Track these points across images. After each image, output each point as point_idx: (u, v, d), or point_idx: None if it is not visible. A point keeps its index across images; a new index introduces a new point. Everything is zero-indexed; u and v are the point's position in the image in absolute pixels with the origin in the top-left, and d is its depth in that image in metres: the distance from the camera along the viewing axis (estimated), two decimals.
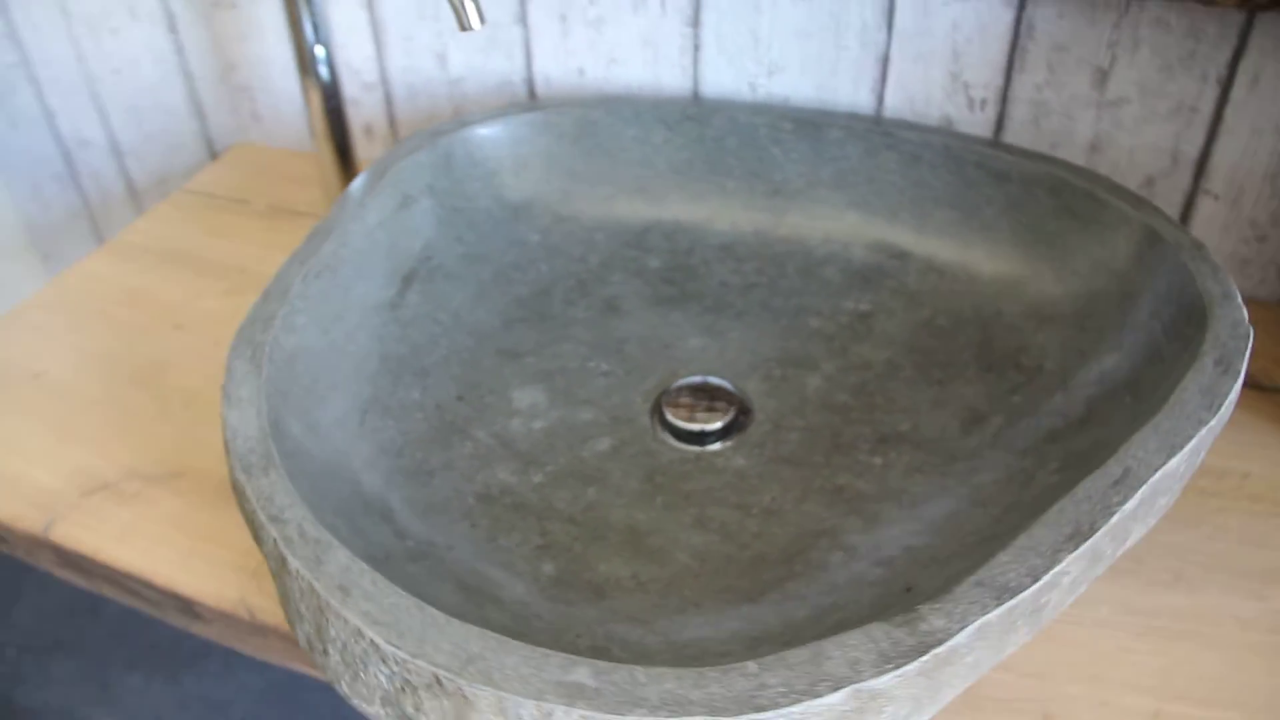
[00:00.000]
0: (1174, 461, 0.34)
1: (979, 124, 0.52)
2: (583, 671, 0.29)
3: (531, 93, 0.59)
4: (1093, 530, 0.31)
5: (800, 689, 0.28)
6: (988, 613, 0.29)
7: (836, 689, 0.28)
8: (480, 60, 0.58)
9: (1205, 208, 0.50)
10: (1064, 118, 0.50)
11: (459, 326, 0.49)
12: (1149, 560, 0.41)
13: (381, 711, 0.32)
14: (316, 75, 0.53)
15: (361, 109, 0.63)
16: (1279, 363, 0.49)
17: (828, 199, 0.52)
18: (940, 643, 0.29)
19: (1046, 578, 0.30)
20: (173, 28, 0.63)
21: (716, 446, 0.44)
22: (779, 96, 0.54)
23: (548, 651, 0.29)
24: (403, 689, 0.30)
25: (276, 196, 0.63)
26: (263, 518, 0.34)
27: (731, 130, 0.53)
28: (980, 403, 0.44)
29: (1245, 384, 0.48)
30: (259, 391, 0.38)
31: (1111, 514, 0.32)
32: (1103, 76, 0.48)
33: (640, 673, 0.29)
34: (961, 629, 0.29)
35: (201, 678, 0.88)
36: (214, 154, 0.69)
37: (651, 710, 0.28)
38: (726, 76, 0.54)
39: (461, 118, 0.53)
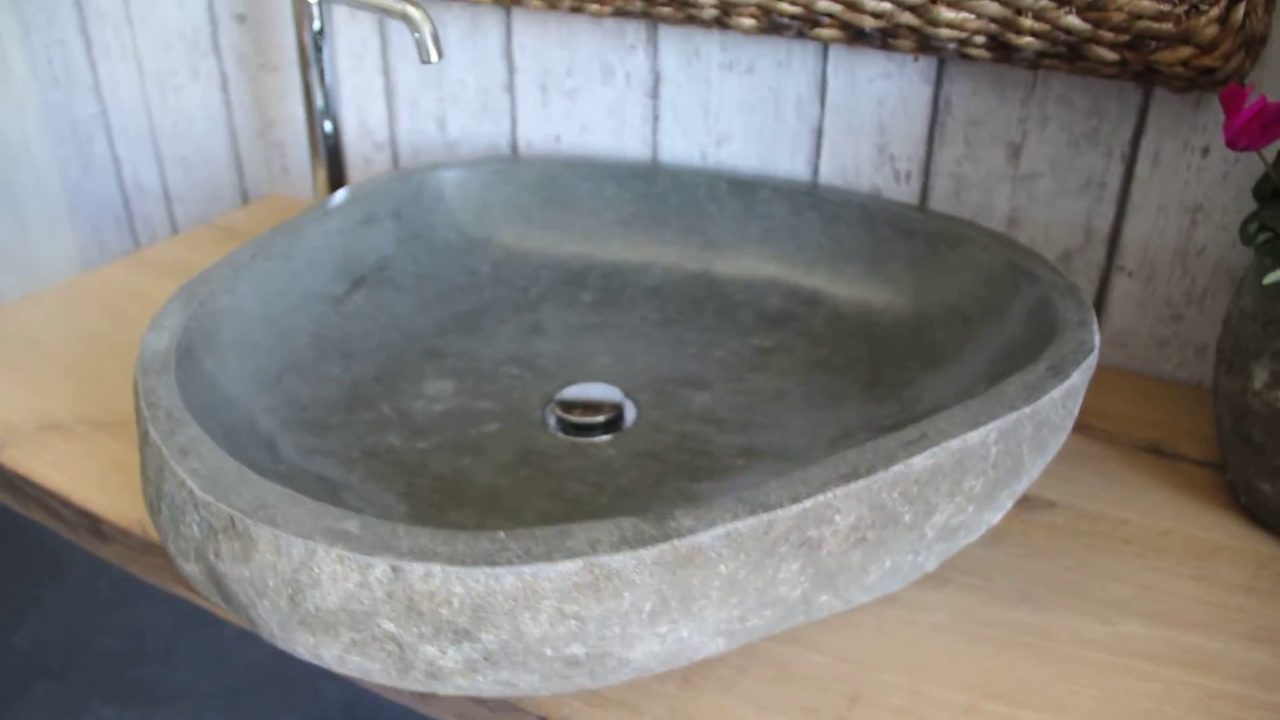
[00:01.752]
0: (975, 435, 0.35)
1: (905, 195, 0.55)
2: (352, 523, 0.31)
3: (515, 154, 0.65)
4: (869, 472, 0.33)
5: (537, 554, 0.30)
6: (738, 520, 0.31)
7: (570, 558, 0.29)
8: (473, 125, 0.65)
9: (1120, 285, 0.52)
10: (982, 191, 0.53)
11: (395, 327, 0.53)
12: (998, 580, 0.41)
13: (196, 569, 0.34)
14: (323, 139, 0.61)
15: (372, 165, 0.70)
16: (1188, 437, 0.49)
17: (754, 252, 0.55)
18: (681, 536, 0.30)
19: (808, 503, 0.32)
20: (224, 87, 0.73)
21: (593, 440, 0.47)
22: (727, 165, 0.59)
23: (330, 506, 0.32)
24: (207, 536, 0.33)
25: None
26: (142, 404, 0.37)
27: (674, 188, 0.57)
28: (852, 425, 0.46)
29: (1150, 449, 0.49)
30: (180, 325, 0.43)
31: (893, 464, 0.33)
32: (1015, 151, 0.52)
33: (401, 528, 0.31)
34: (708, 530, 0.30)
35: (169, 717, 0.89)
36: (247, 203, 0.78)
37: (398, 556, 0.30)
38: (681, 145, 0.60)
39: (437, 162, 0.59)
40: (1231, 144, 0.39)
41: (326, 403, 0.47)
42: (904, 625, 0.39)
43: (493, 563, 0.29)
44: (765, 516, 0.31)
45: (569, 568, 0.29)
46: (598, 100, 0.61)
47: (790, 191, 0.55)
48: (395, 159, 0.69)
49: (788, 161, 0.57)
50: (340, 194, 0.56)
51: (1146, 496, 0.46)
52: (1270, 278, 0.38)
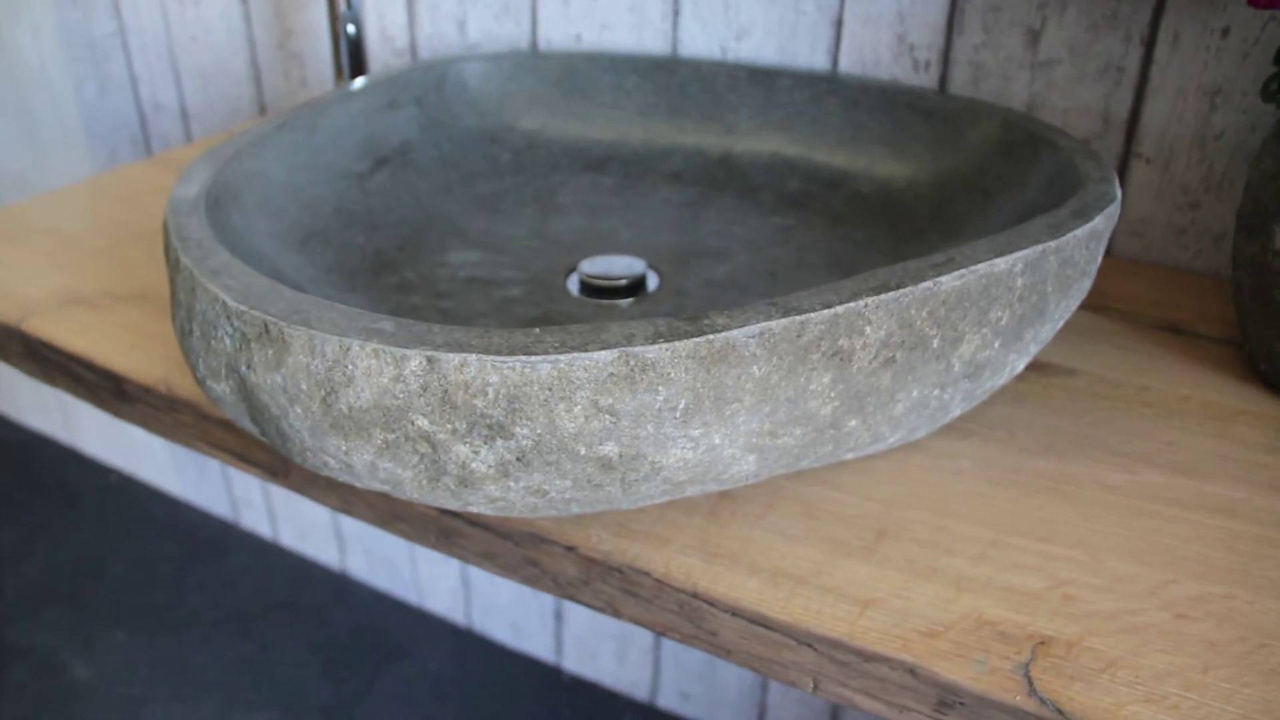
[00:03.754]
0: (1002, 263, 0.35)
1: (924, 84, 0.55)
2: (387, 323, 0.31)
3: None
4: (898, 286, 0.33)
5: (573, 345, 0.30)
6: (771, 320, 0.31)
7: (605, 349, 0.30)
8: (494, 26, 0.65)
9: (1138, 172, 0.52)
10: (1001, 79, 0.53)
11: (417, 206, 0.53)
12: (1021, 433, 0.42)
13: (226, 388, 0.35)
14: (347, 43, 0.61)
15: None
16: (1205, 319, 0.50)
17: (774, 138, 0.55)
18: (716, 331, 0.30)
19: (839, 309, 0.32)
20: None
21: (615, 302, 0.47)
22: (746, 59, 0.59)
23: (365, 310, 0.32)
24: (239, 347, 0.33)
25: None
26: (174, 239, 0.38)
27: (695, 78, 0.58)
28: None
29: (1168, 328, 0.49)
30: (209, 179, 0.43)
31: (921, 281, 0.33)
32: (1034, 37, 0.52)
33: (436, 327, 0.31)
34: (741, 327, 0.31)
35: (180, 644, 0.90)
36: (264, 116, 0.78)
37: (435, 348, 0.30)
38: (700, 40, 0.60)
39: (460, 54, 0.59)
40: (1254, 1, 0.39)
41: (351, 267, 0.48)
42: (929, 470, 0.40)
43: (528, 352, 0.30)
44: (798, 319, 0.31)
45: (604, 357, 0.30)
46: None
47: (810, 79, 0.55)
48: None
49: (807, 53, 0.57)
50: (363, 79, 0.56)
51: (1166, 367, 0.46)
52: None
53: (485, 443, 0.31)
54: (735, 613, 0.34)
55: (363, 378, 0.30)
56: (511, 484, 0.32)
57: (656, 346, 0.30)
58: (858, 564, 0.35)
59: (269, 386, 0.32)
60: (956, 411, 0.38)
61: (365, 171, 0.53)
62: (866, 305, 0.32)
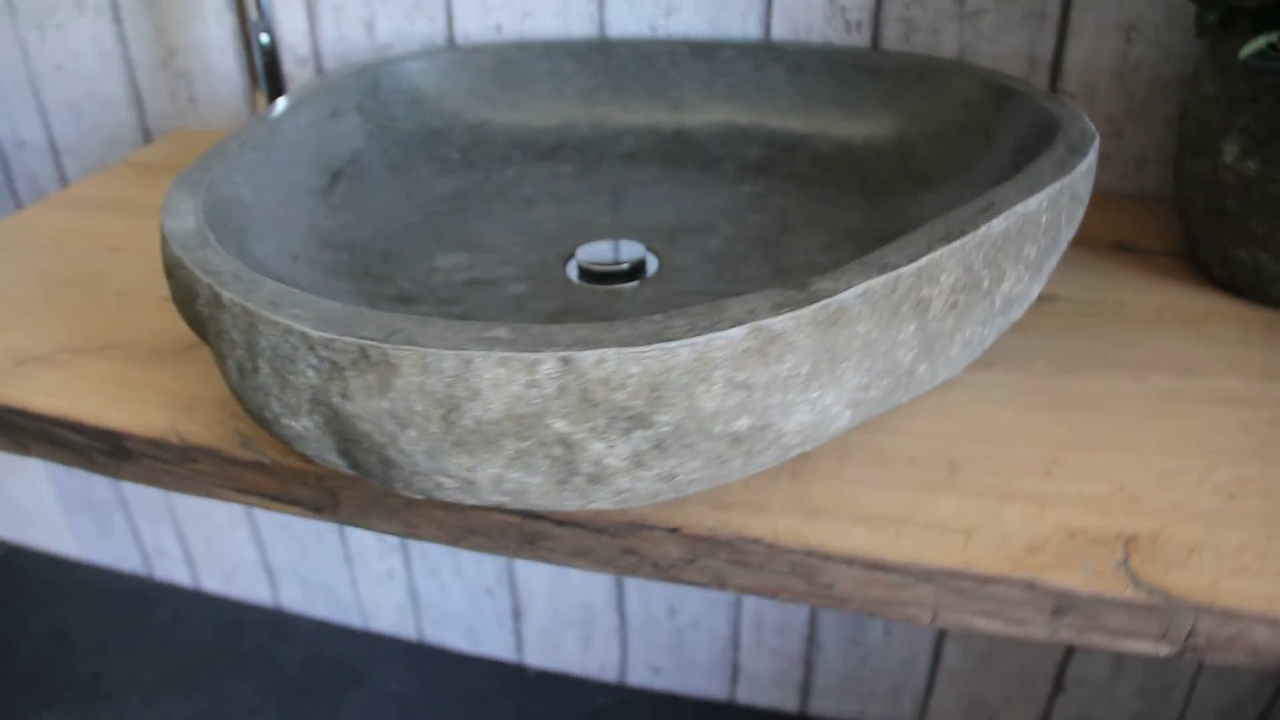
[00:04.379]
0: (1033, 201, 0.37)
1: (857, 44, 0.57)
2: (500, 330, 0.31)
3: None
4: (962, 234, 0.35)
5: (703, 326, 0.30)
6: (870, 279, 0.32)
7: (737, 325, 0.30)
8: (406, 25, 0.64)
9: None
10: (931, 33, 0.56)
11: (385, 215, 0.52)
12: (1035, 359, 0.45)
13: (309, 423, 0.33)
14: (260, 54, 0.58)
15: (294, 83, 0.67)
16: (1147, 234, 0.54)
17: (723, 109, 0.57)
18: (829, 296, 0.31)
19: (923, 261, 0.33)
20: (117, 17, 0.68)
21: (625, 286, 0.47)
22: (677, 35, 0.60)
23: (467, 321, 0.31)
24: (330, 376, 0.31)
25: None
26: (198, 274, 0.35)
27: (634, 58, 0.58)
28: (870, 242, 0.48)
29: (1118, 247, 0.53)
30: (196, 206, 0.40)
31: (978, 227, 0.35)
32: None
33: (553, 327, 0.31)
34: (848, 288, 0.32)
35: (120, 712, 0.84)
36: (150, 142, 0.72)
37: (565, 348, 0.29)
38: (629, 21, 0.60)
39: (387, 55, 0.57)
40: None
41: (344, 289, 0.46)
42: (971, 404, 0.42)
43: (664, 338, 0.30)
44: (892, 275, 0.33)
45: (737, 334, 0.30)
46: None
47: (752, 49, 0.56)
48: (319, 72, 0.66)
49: (739, 24, 0.59)
50: (295, 89, 0.53)
51: (1131, 283, 0.50)
52: (1248, 48, 0.42)
53: (622, 436, 0.31)
54: (851, 562, 0.35)
55: (490, 389, 0.30)
56: (644, 473, 0.32)
57: (782, 317, 0.31)
58: (943, 498, 0.37)
59: (371, 414, 0.31)
60: (988, 343, 0.41)
61: (325, 186, 0.51)
62: (941, 255, 0.34)
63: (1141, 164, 0.57)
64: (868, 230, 0.49)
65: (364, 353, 0.31)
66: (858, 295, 0.32)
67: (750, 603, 0.80)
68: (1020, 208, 0.37)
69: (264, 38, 0.58)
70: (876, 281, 0.32)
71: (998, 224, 0.36)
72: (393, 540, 0.87)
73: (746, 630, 0.81)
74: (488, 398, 0.30)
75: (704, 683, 0.86)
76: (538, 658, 0.89)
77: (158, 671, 0.87)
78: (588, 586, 0.84)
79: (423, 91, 0.58)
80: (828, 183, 0.52)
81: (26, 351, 0.47)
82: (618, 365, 0.29)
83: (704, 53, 0.57)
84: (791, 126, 0.55)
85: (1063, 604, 0.34)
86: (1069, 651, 0.74)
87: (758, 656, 0.83)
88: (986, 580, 0.35)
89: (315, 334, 0.31)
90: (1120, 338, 0.46)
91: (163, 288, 0.52)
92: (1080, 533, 0.36)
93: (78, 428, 0.43)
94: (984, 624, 0.36)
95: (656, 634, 0.84)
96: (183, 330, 0.49)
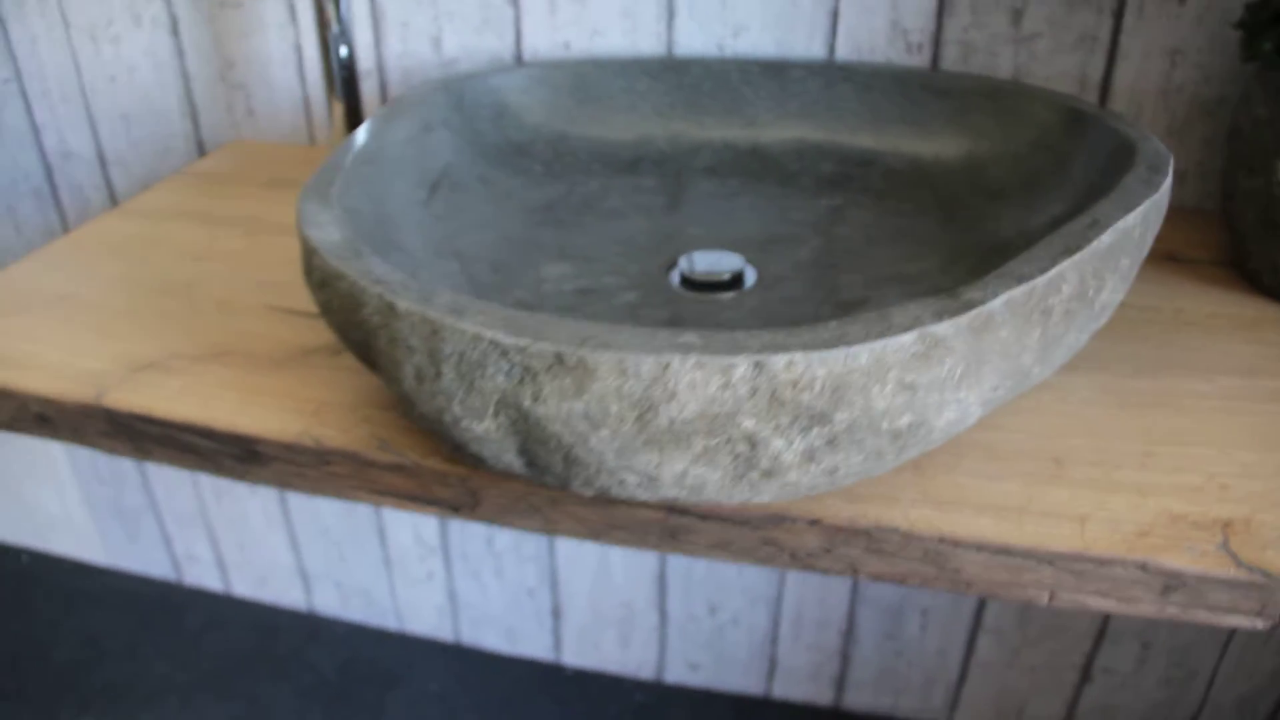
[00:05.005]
0: (1130, 218, 0.41)
1: (917, 65, 0.61)
2: (690, 336, 0.33)
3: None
4: (1078, 248, 0.38)
5: (878, 331, 0.33)
6: (1011, 289, 0.35)
7: (908, 330, 0.33)
8: (473, 41, 0.66)
9: None
10: (988, 55, 0.59)
11: (483, 226, 0.54)
12: (1112, 363, 0.48)
13: (492, 425, 0.35)
14: (339, 67, 0.60)
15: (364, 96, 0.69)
16: (1193, 246, 0.58)
17: (795, 126, 0.59)
18: (980, 304, 0.34)
19: (1052, 272, 0.36)
20: (175, 30, 0.69)
21: (729, 295, 0.50)
22: (744, 55, 0.63)
23: (656, 328, 0.33)
24: (521, 380, 0.33)
25: (276, 174, 0.67)
26: (364, 284, 0.37)
27: (707, 76, 0.61)
28: (953, 253, 0.51)
29: (1167, 258, 0.57)
30: (335, 219, 0.42)
31: (1089, 242, 0.38)
32: (1018, 15, 0.58)
33: (740, 333, 0.33)
34: (995, 298, 0.35)
35: (158, 716, 0.84)
36: (204, 155, 0.73)
37: (756, 352, 0.32)
38: (698, 40, 0.63)
39: (456, 70, 0.59)
40: None
41: (467, 294, 0.48)
42: (1062, 403, 0.45)
43: (846, 342, 0.32)
44: (1028, 285, 0.36)
45: (908, 339, 0.33)
46: (610, 2, 0.63)
47: (822, 68, 0.59)
48: (383, 87, 0.68)
49: (804, 44, 0.62)
50: (385, 108, 0.55)
51: (1185, 291, 0.54)
52: None
53: (801, 433, 0.33)
54: (980, 548, 0.38)
55: (686, 390, 0.32)
56: (812, 468, 0.35)
57: (944, 323, 0.33)
58: (1054, 489, 0.40)
59: (563, 415, 0.33)
60: (1080, 347, 0.44)
61: (426, 198, 0.53)
62: (1065, 267, 0.37)
63: (1182, 179, 0.61)
64: (945, 242, 0.52)
65: (559, 358, 0.33)
66: (1003, 304, 0.35)
67: (791, 598, 0.83)
68: (1121, 223, 0.40)
69: (343, 50, 0.60)
70: (1017, 291, 0.35)
71: (1106, 238, 0.39)
72: (434, 543, 0.89)
73: (786, 625, 0.84)
74: (683, 399, 0.32)
75: (740, 678, 0.88)
76: (575, 657, 0.91)
77: (193, 676, 0.88)
78: (629, 585, 0.86)
79: (505, 106, 0.60)
80: (902, 197, 0.55)
81: (139, 358, 0.49)
82: (805, 368, 0.32)
83: (775, 72, 0.60)
84: (862, 144, 0.58)
85: (1171, 583, 0.38)
86: (1097, 642, 0.78)
87: (795, 651, 0.86)
88: (1104, 562, 0.38)
89: (508, 340, 0.33)
90: (1183, 342, 0.50)
91: (264, 296, 0.54)
92: (1181, 518, 0.39)
93: (207, 433, 0.45)
94: (1097, 603, 0.39)
95: (697, 631, 0.87)
96: (295, 337, 0.50)
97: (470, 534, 0.88)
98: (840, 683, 0.86)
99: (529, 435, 0.35)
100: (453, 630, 0.93)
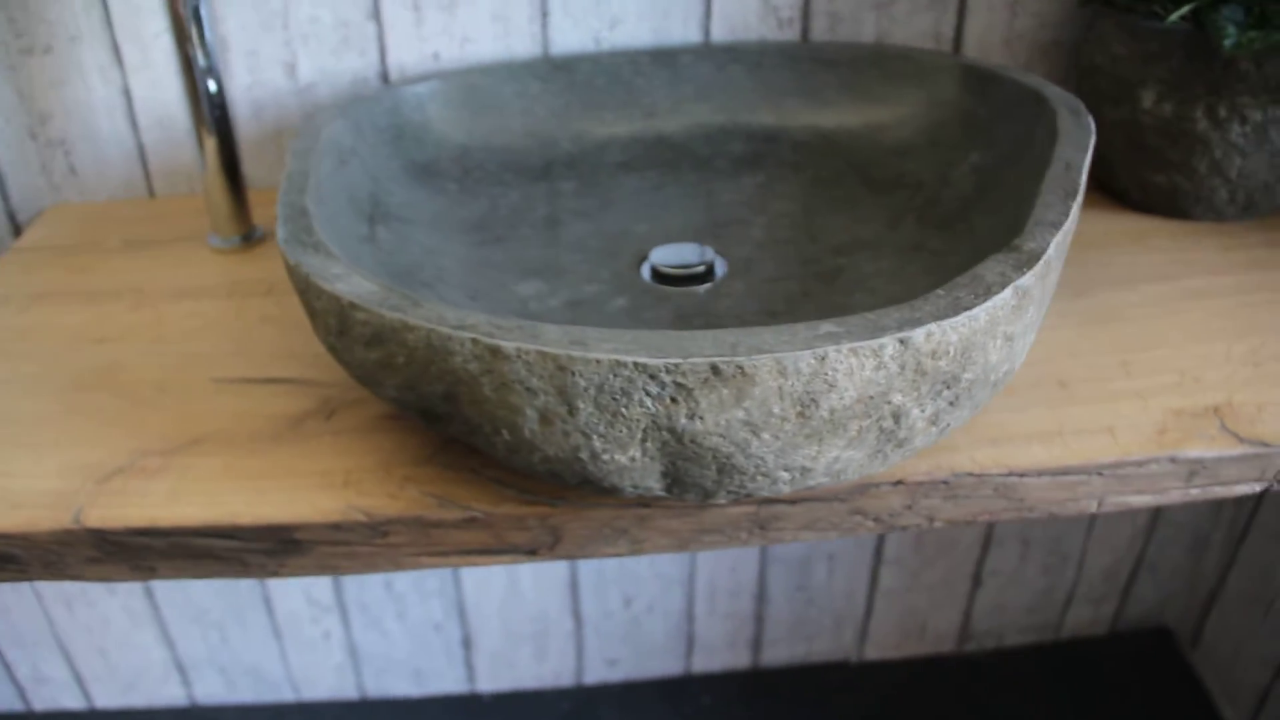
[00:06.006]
0: (1087, 157, 0.46)
1: (788, 38, 0.64)
2: (826, 326, 0.34)
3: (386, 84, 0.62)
4: (1076, 190, 0.42)
5: (980, 293, 0.35)
6: (1055, 235, 0.39)
7: (1003, 287, 0.35)
8: (332, 62, 0.61)
9: None
10: (853, 23, 0.63)
11: (432, 253, 0.51)
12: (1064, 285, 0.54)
13: (638, 452, 0.34)
14: (209, 105, 0.54)
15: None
16: None
17: (694, 110, 0.60)
18: (1044, 252, 0.37)
19: (1071, 214, 0.40)
20: None
21: (709, 285, 0.50)
22: (621, 46, 0.63)
23: (789, 325, 0.34)
24: (674, 399, 0.33)
25: (128, 235, 0.60)
26: (445, 331, 0.34)
27: (597, 72, 0.60)
28: (890, 212, 0.54)
29: None
30: (349, 268, 0.39)
31: (1077, 183, 0.43)
32: None
33: (869, 315, 0.34)
34: (1050, 242, 0.38)
35: None
36: (17, 226, 0.63)
37: (895, 329, 0.33)
38: (573, 36, 0.62)
39: (357, 96, 0.55)
40: None
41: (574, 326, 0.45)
42: (1055, 330, 0.50)
43: (964, 309, 0.34)
44: (1063, 229, 0.39)
45: (1007, 295, 0.35)
46: (479, 7, 0.60)
47: (710, 51, 0.61)
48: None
49: (681, 30, 0.63)
50: (296, 143, 0.50)
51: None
52: (1173, 16, 0.53)
53: (933, 398, 0.35)
54: (1041, 473, 0.42)
55: (845, 378, 0.33)
56: (933, 430, 0.36)
57: (1027, 276, 0.36)
58: (1073, 409, 0.45)
59: (722, 427, 0.33)
60: None
61: (368, 233, 0.49)
62: (1074, 209, 0.41)
63: None
64: (878, 203, 0.55)
65: (715, 370, 0.32)
66: (1054, 249, 0.38)
67: (704, 574, 0.85)
68: (1085, 163, 0.45)
69: (211, 85, 0.54)
70: (1058, 235, 0.39)
71: (1081, 178, 0.44)
72: (328, 600, 0.82)
73: (700, 602, 0.86)
74: (843, 386, 0.33)
75: (659, 662, 0.89)
76: (491, 682, 0.89)
77: None
78: (541, 597, 0.85)
79: (400, 128, 0.56)
80: (820, 166, 0.58)
81: (99, 467, 0.42)
82: (941, 336, 0.34)
83: (665, 60, 0.60)
84: (764, 120, 0.60)
85: (1194, 469, 0.43)
86: (984, 550, 0.86)
87: (711, 624, 0.88)
88: (1142, 463, 0.42)
89: (655, 362, 0.32)
90: (1095, 260, 0.56)
91: (201, 370, 0.48)
92: (1181, 412, 0.44)
93: (230, 532, 0.40)
94: (1137, 500, 0.44)
95: (613, 627, 0.87)
96: (265, 408, 0.45)
97: (367, 582, 0.83)
98: (756, 644, 0.90)
99: (680, 455, 0.34)
100: (356, 686, 0.87)
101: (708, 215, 0.56)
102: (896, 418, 0.35)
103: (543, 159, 0.59)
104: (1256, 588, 0.82)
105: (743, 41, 0.61)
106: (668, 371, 0.32)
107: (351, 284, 0.38)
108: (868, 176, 0.57)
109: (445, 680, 0.88)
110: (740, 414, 0.33)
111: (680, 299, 0.49)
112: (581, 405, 0.33)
